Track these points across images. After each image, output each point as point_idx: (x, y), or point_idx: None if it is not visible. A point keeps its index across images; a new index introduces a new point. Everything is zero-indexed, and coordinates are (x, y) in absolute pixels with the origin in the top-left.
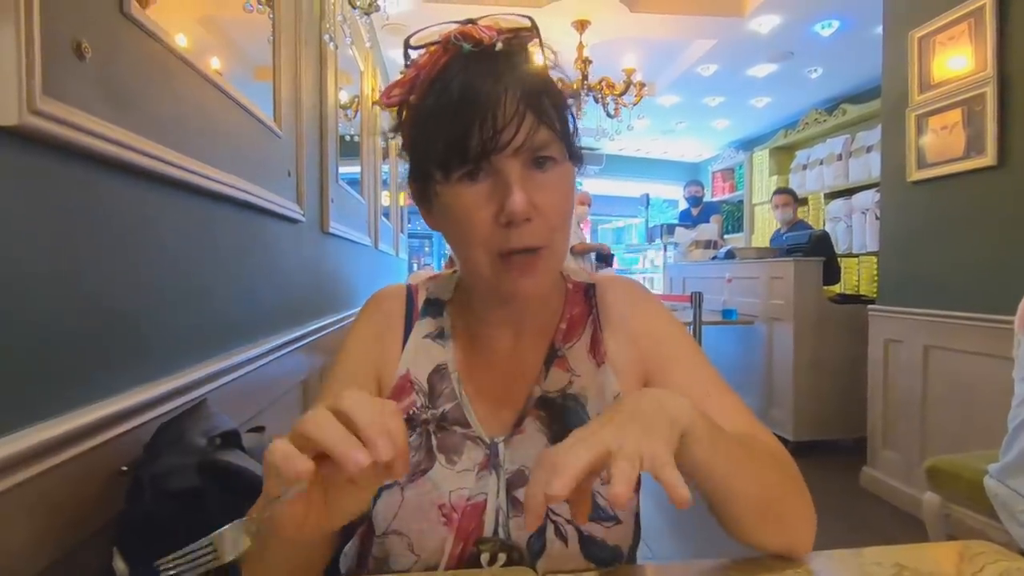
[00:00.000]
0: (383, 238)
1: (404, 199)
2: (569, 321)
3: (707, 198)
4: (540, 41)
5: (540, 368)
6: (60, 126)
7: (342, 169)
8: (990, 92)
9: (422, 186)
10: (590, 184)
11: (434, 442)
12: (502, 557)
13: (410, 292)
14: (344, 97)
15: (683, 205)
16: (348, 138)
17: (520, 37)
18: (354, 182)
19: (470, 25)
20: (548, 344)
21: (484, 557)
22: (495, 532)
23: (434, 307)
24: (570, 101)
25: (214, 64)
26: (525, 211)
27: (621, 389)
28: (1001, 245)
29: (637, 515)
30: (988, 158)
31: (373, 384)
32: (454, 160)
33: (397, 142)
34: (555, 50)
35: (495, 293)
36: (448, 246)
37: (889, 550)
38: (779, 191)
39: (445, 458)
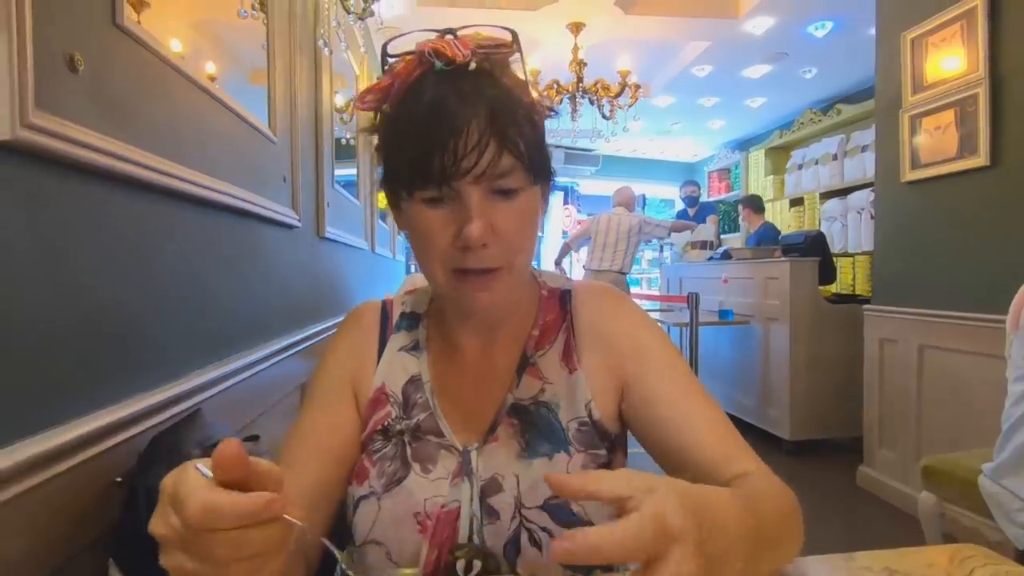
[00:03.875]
0: (380, 241)
1: None
2: (542, 328)
3: (703, 198)
4: (522, 57)
5: (513, 376)
6: (54, 139)
7: (338, 171)
8: (982, 93)
9: (391, 193)
10: (586, 185)
11: (409, 452)
12: (477, 564)
13: (385, 308)
14: (340, 100)
15: (680, 205)
16: (344, 141)
17: (499, 53)
18: (350, 184)
19: (446, 39)
20: (520, 351)
21: (460, 564)
22: (470, 539)
23: (410, 320)
24: (549, 113)
25: (209, 69)
26: (481, 238)
27: (593, 397)
28: (994, 245)
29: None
30: (981, 158)
31: (350, 398)
32: (416, 180)
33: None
34: (536, 69)
35: (455, 306)
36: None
37: (879, 554)
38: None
39: (420, 467)
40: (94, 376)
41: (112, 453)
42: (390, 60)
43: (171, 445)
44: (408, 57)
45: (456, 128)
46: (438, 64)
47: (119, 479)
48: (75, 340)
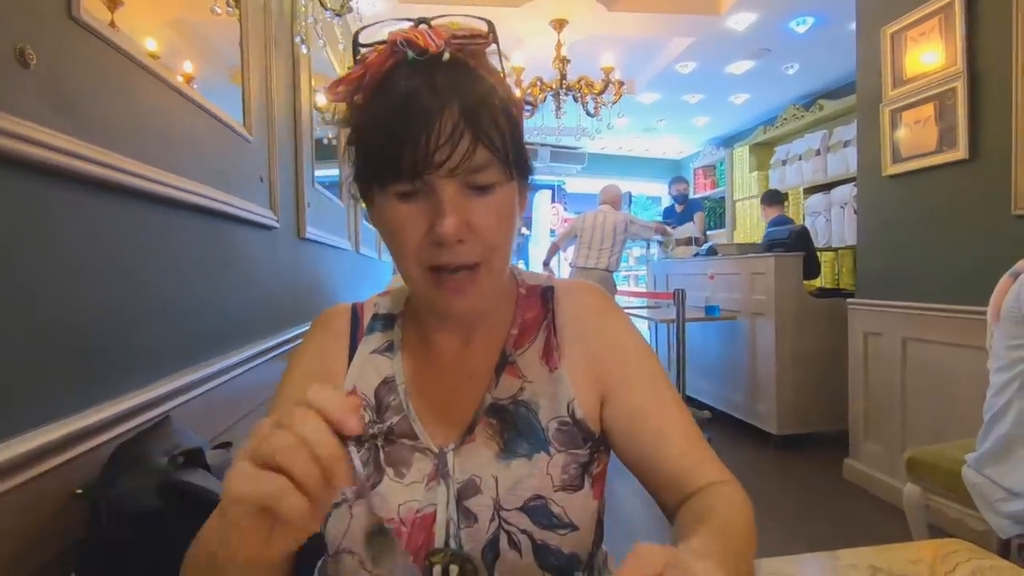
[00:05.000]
0: (365, 242)
1: None
2: (521, 326)
3: (690, 195)
4: (498, 48)
5: (491, 375)
6: (1, 137)
7: (320, 172)
8: (960, 87)
9: (363, 188)
10: (573, 183)
11: (382, 456)
12: (454, 569)
13: (355, 311)
14: (322, 100)
15: (666, 202)
16: (326, 141)
17: (475, 44)
18: (333, 185)
19: (419, 28)
20: (499, 350)
21: (436, 570)
22: (446, 543)
23: (384, 321)
24: (526, 109)
25: (187, 68)
26: (456, 234)
27: (576, 395)
28: (973, 237)
29: (600, 521)
30: (960, 152)
31: None
32: (388, 174)
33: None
34: (508, 56)
35: (430, 307)
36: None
37: (864, 551)
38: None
39: (393, 471)
40: (53, 384)
41: (73, 464)
42: (362, 50)
43: (136, 455)
44: (380, 47)
45: (429, 120)
46: (410, 54)
47: (79, 491)
48: (30, 347)
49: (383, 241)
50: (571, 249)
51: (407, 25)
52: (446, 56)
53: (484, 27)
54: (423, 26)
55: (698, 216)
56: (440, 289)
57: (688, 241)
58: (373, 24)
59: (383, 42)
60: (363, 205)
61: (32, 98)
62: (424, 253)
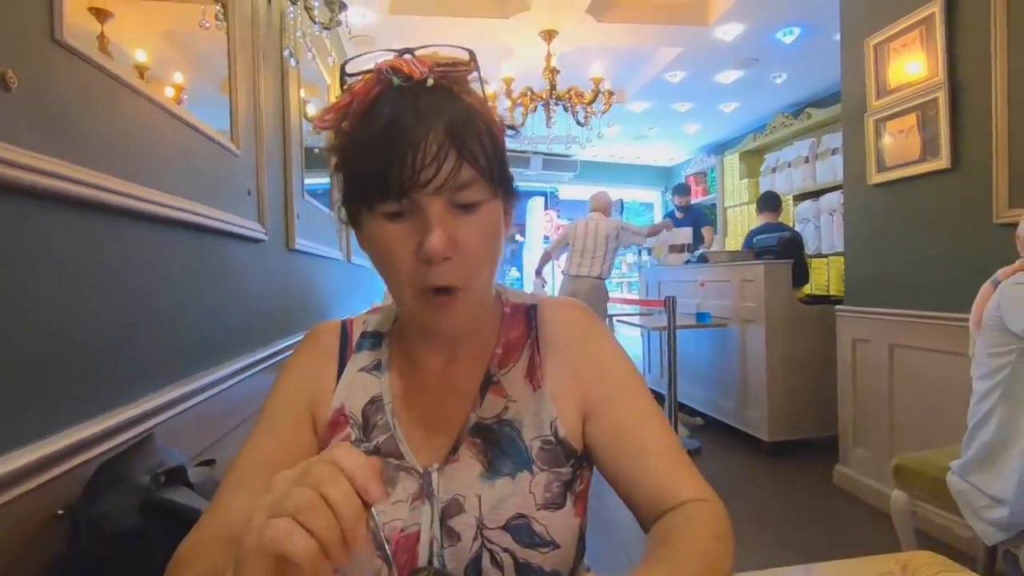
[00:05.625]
0: (356, 251)
1: None
2: (505, 345)
3: (690, 201)
4: (479, 76)
5: (476, 394)
6: None
7: (311, 180)
8: (942, 97)
9: (351, 211)
10: (565, 190)
11: None
12: None
13: (345, 327)
14: (311, 110)
15: (658, 208)
16: (317, 151)
17: (457, 71)
18: (325, 194)
19: (404, 58)
20: (484, 370)
21: None
22: (430, 562)
23: (372, 339)
24: (508, 132)
25: (176, 79)
26: (443, 251)
27: (559, 414)
28: (956, 245)
29: (582, 536)
30: (943, 161)
31: (306, 421)
32: (376, 195)
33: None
34: (487, 81)
35: (418, 325)
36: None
37: (837, 565)
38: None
39: None
40: (38, 403)
41: (55, 484)
42: (348, 79)
43: (118, 474)
44: (367, 76)
45: (415, 141)
46: (396, 80)
47: (60, 511)
48: (14, 367)
49: (373, 264)
50: (564, 257)
51: (392, 56)
52: (430, 82)
53: (466, 55)
54: (407, 55)
55: (706, 230)
56: (427, 306)
57: (681, 248)
58: (360, 56)
59: (370, 71)
60: (351, 228)
61: (13, 120)
62: (415, 273)
